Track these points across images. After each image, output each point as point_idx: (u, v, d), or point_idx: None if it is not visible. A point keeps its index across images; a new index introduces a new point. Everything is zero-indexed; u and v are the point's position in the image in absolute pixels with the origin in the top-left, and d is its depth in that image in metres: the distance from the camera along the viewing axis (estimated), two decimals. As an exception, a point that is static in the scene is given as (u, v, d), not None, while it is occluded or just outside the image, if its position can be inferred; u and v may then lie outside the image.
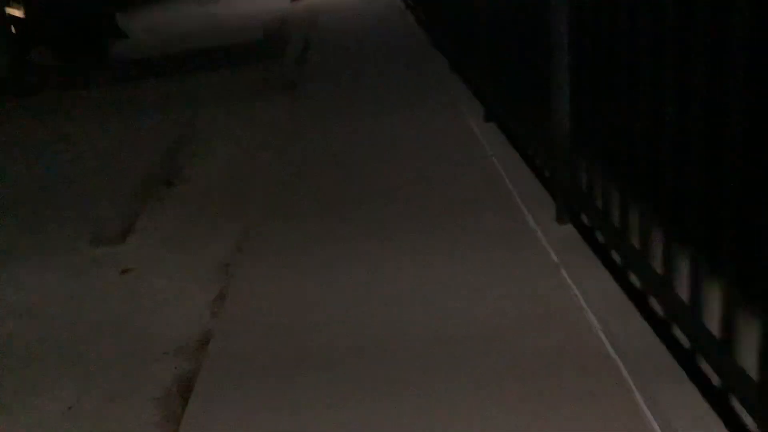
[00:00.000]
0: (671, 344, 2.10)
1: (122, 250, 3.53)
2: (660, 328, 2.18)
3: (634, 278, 2.39)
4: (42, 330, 2.87)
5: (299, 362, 2.31)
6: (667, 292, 2.08)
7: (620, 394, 1.94)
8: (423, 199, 3.47)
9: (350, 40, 8.36)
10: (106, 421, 2.24)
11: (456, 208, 3.32)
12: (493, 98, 4.33)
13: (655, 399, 1.90)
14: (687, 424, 1.81)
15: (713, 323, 1.83)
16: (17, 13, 9.06)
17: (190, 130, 5.44)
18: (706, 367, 1.93)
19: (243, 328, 2.57)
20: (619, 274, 2.50)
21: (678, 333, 2.09)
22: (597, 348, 2.15)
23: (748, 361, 1.68)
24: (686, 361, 2.02)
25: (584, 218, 2.84)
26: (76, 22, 9.53)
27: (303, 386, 2.17)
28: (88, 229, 3.83)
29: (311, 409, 2.07)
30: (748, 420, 1.74)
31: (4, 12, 8.28)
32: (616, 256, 2.57)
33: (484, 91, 4.58)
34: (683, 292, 1.99)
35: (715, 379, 1.90)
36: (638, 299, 2.34)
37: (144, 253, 3.47)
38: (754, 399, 1.64)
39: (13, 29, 8.85)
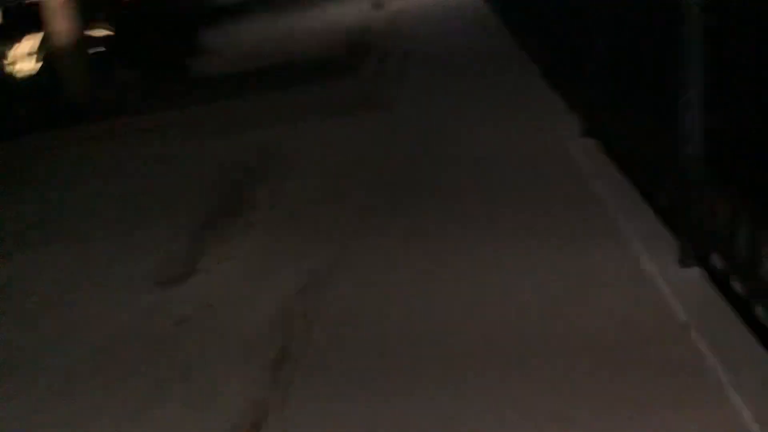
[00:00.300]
0: None
1: (187, 291, 3.26)
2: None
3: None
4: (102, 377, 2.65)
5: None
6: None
7: None
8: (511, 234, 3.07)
9: (432, 45, 8.02)
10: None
11: (552, 241, 2.89)
12: (595, 108, 3.85)
13: None
14: None
15: None
16: (102, 33, 9.13)
17: (266, 153, 5.19)
18: None
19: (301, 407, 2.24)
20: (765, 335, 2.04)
21: None
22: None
23: None
24: None
25: (717, 261, 2.35)
26: (160, 39, 9.54)
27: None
28: (160, 261, 3.60)
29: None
30: None
31: (83, 35, 8.30)
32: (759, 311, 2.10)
33: (582, 100, 4.10)
34: None
35: None
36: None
37: (213, 292, 3.19)
38: None
39: (99, 48, 8.91)
